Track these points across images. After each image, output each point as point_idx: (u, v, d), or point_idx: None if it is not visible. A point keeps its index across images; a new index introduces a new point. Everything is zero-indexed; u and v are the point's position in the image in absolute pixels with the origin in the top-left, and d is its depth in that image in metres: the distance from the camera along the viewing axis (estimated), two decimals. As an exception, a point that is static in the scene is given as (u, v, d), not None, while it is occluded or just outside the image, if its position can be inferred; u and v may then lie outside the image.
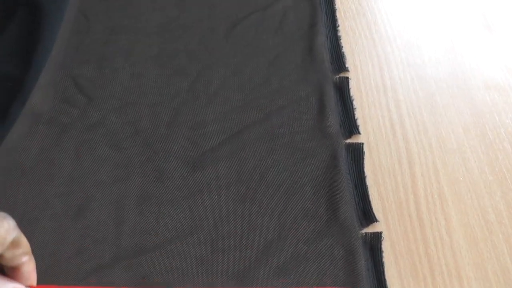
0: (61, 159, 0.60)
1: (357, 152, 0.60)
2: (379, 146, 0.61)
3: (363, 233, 0.54)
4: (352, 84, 0.67)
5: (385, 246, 0.54)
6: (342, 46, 0.71)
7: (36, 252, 0.52)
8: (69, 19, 0.74)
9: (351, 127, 0.62)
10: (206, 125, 0.63)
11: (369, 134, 0.62)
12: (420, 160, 0.60)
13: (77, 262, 0.52)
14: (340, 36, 0.73)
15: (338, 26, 0.74)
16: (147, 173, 0.59)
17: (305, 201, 0.56)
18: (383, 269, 0.52)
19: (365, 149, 0.61)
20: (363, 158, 0.60)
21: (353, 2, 0.78)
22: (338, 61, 0.69)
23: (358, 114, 0.64)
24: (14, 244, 0.43)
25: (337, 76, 0.68)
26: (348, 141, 0.61)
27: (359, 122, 0.63)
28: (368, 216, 0.55)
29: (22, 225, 0.45)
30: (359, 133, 0.62)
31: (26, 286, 0.46)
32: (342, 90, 0.66)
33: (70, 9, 0.75)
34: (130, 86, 0.67)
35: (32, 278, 0.46)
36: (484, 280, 0.52)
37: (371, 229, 0.55)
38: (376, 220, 0.55)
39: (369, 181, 0.58)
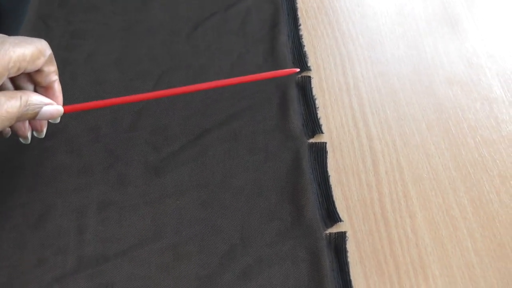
0: (21, 168, 0.59)
1: (320, 152, 0.60)
2: (343, 145, 0.61)
3: (327, 234, 0.54)
4: (315, 83, 0.66)
5: (350, 246, 0.54)
6: (304, 45, 0.71)
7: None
8: (28, 25, 0.73)
9: (314, 126, 0.62)
10: (167, 129, 0.62)
11: (332, 133, 0.62)
12: (384, 158, 0.60)
13: (39, 273, 0.52)
14: (301, 35, 0.72)
15: (300, 25, 0.73)
16: (108, 179, 0.58)
17: (268, 203, 0.56)
18: (348, 269, 0.52)
19: (328, 148, 0.60)
20: (326, 158, 0.59)
21: (315, 1, 0.77)
22: (300, 60, 0.69)
23: (320, 113, 0.64)
24: (50, 59, 0.50)
25: (299, 76, 0.67)
26: (311, 140, 0.61)
27: (322, 121, 0.63)
28: (332, 216, 0.55)
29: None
30: (322, 133, 0.62)
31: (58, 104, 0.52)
32: (304, 89, 0.66)
33: (29, 14, 0.74)
34: (90, 91, 0.65)
35: (61, 98, 0.53)
36: (450, 277, 0.52)
37: (335, 229, 0.55)
38: (341, 220, 0.55)
39: (333, 181, 0.58)
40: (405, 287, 0.51)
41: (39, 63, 0.48)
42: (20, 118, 0.47)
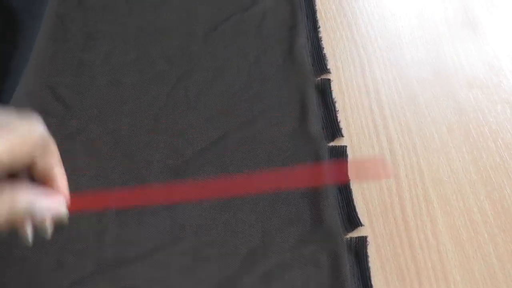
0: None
1: (340, 156, 0.59)
2: (363, 149, 0.61)
3: (348, 238, 0.54)
4: (334, 86, 0.66)
5: (371, 250, 0.53)
6: (323, 48, 0.70)
7: (16, 266, 0.52)
8: (47, 26, 0.73)
9: (333, 130, 0.62)
10: (187, 132, 0.61)
11: (352, 137, 0.62)
12: (404, 162, 0.60)
13: (58, 276, 0.52)
14: (321, 37, 0.72)
15: (319, 27, 0.73)
16: (127, 182, 0.58)
17: (288, 207, 0.56)
18: (369, 274, 0.51)
19: (349, 152, 0.60)
20: (346, 162, 0.59)
21: (334, 3, 0.77)
22: (320, 63, 0.68)
23: (340, 117, 0.63)
24: (46, 150, 0.39)
25: (319, 78, 0.67)
26: (331, 144, 0.61)
27: (342, 124, 0.62)
28: (353, 221, 0.55)
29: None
30: (342, 136, 0.61)
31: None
32: (324, 92, 0.65)
33: (47, 15, 0.74)
34: (108, 93, 0.65)
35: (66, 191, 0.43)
36: (471, 282, 0.51)
37: (356, 233, 0.54)
38: (361, 225, 0.54)
39: (353, 185, 0.58)
40: (426, 293, 0.51)
41: (25, 158, 0.37)
42: (9, 222, 0.37)
